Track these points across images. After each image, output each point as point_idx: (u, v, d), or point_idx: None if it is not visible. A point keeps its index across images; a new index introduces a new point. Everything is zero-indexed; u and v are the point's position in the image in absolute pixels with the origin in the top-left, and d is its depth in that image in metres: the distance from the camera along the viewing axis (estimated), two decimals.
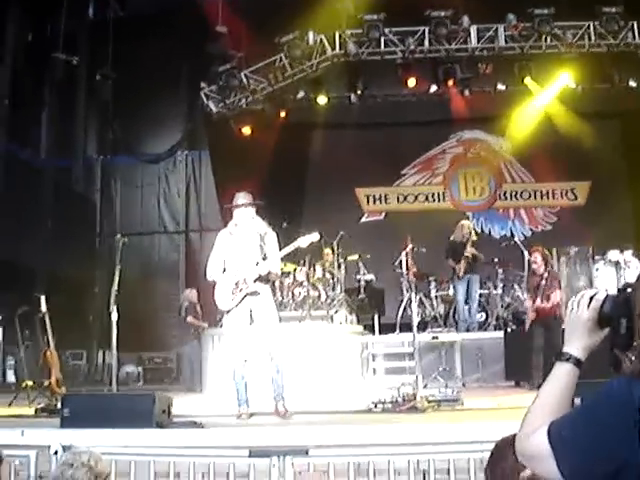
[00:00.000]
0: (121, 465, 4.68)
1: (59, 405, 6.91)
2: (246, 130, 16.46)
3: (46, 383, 8.68)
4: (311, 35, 14.97)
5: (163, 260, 18.96)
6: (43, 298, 8.63)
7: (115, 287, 8.09)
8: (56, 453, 4.65)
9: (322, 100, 15.86)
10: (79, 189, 19.28)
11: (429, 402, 7.44)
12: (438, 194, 17.83)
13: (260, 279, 7.27)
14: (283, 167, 16.03)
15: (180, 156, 18.91)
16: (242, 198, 7.54)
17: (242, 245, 7.36)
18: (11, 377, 14.23)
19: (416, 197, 17.84)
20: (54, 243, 16.21)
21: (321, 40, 14.96)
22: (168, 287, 17.50)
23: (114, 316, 8.07)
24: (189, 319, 12.55)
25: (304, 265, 12.61)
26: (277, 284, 12.71)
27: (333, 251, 12.82)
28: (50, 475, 3.32)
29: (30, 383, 9.01)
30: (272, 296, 7.43)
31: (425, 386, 9.25)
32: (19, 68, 15.63)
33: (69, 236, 16.67)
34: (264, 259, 7.29)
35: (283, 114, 16.57)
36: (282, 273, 12.78)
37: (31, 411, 7.83)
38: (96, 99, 18.57)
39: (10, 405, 8.75)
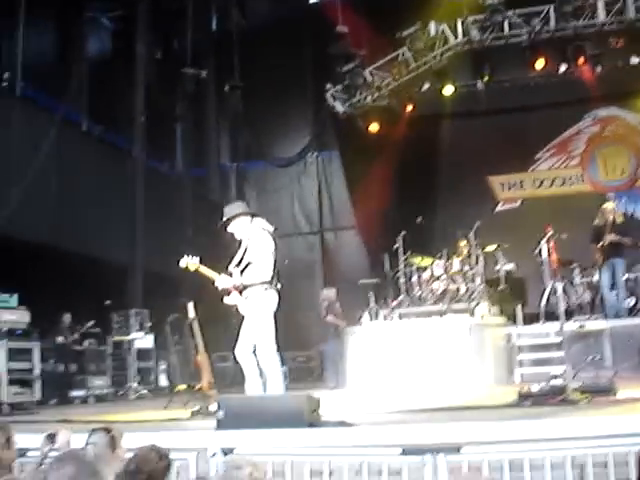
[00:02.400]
0: (276, 465, 4.79)
1: (212, 407, 7.15)
2: (373, 127, 16.48)
3: (198, 386, 9.00)
4: (432, 26, 14.83)
5: (300, 261, 19.28)
6: (191, 305, 8.97)
7: None
8: (214, 455, 4.79)
9: (448, 90, 15.65)
10: (215, 197, 19.92)
11: (581, 394, 7.18)
12: (576, 177, 17.19)
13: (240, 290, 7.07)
14: (413, 161, 15.94)
15: (310, 158, 19.18)
16: (227, 212, 7.31)
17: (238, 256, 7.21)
18: (164, 381, 14.90)
19: (553, 181, 17.28)
20: (195, 252, 16.77)
21: (443, 30, 14.79)
22: (307, 287, 17.78)
23: None
24: (329, 318, 12.69)
25: (441, 258, 12.48)
26: (415, 279, 12.66)
27: (469, 243, 12.61)
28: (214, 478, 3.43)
29: (183, 387, 9.35)
30: (262, 301, 7.05)
31: (574, 377, 8.93)
32: (152, 85, 16.31)
33: (209, 244, 17.23)
34: (247, 266, 7.04)
35: (410, 108, 16.47)
36: (419, 267, 12.74)
37: (187, 414, 8.13)
38: (226, 109, 19.15)
39: (166, 408, 9.15)
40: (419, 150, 16.13)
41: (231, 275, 7.09)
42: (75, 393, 12.13)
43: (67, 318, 12.99)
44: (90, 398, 12.21)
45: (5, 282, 11.99)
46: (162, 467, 3.83)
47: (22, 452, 4.54)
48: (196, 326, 8.80)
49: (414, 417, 6.72)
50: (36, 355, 11.03)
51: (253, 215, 7.32)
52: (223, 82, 17.99)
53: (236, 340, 7.38)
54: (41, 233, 12.59)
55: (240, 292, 7.07)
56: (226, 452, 4.61)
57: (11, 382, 10.45)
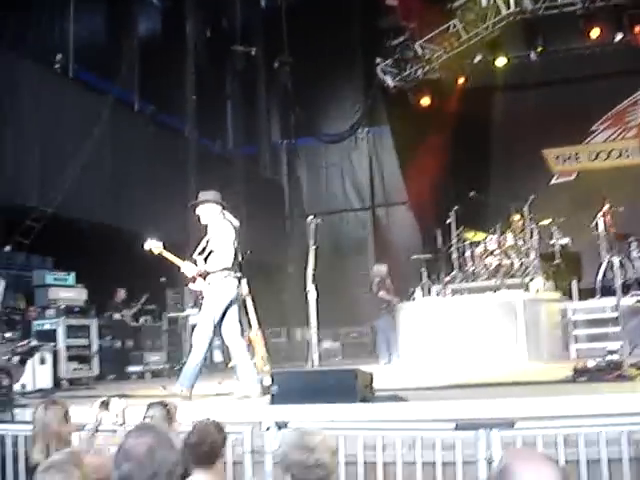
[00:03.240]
0: (330, 439, 4.82)
1: (266, 382, 7.23)
2: (425, 101, 16.32)
3: (253, 362, 9.08)
4: None
5: (351, 237, 19.33)
6: (244, 281, 9.03)
7: (311, 267, 8.32)
8: (268, 429, 4.85)
9: (501, 61, 15.39)
10: (267, 174, 20.02)
11: (638, 369, 7.06)
12: (632, 149, 16.74)
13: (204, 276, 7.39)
14: (466, 135, 15.74)
15: (361, 133, 19.12)
16: (201, 196, 7.66)
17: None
18: (218, 357, 15.08)
19: (609, 154, 16.89)
20: (248, 228, 16.91)
21: (494, 0, 14.48)
22: (358, 263, 17.82)
23: (312, 295, 8.31)
24: (380, 294, 12.66)
25: (494, 233, 12.34)
26: (468, 254, 12.56)
27: (523, 217, 12.42)
28: (283, 455, 3.48)
29: None
30: (221, 287, 7.40)
31: (631, 352, 8.77)
32: (202, 64, 16.37)
33: (261, 221, 17.36)
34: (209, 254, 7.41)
35: (461, 80, 16.26)
36: (472, 242, 12.61)
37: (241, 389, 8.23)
38: (276, 85, 19.16)
39: (220, 384, 9.27)
40: (471, 123, 15.91)
41: (195, 263, 7.40)
42: (132, 369, 12.37)
43: (122, 294, 13.22)
44: (146, 373, 12.44)
45: (62, 261, 12.29)
46: (221, 439, 3.92)
47: (80, 426, 4.65)
48: (249, 302, 8.87)
49: (467, 392, 6.70)
50: (94, 332, 11.27)
51: (223, 207, 7.62)
52: (272, 59, 17.98)
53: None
54: (96, 212, 12.81)
55: (204, 278, 7.38)
56: (280, 426, 4.66)
57: (70, 358, 10.70)
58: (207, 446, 3.82)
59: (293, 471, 3.46)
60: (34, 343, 6.01)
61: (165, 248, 7.57)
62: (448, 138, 15.87)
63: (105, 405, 4.59)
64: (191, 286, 7.68)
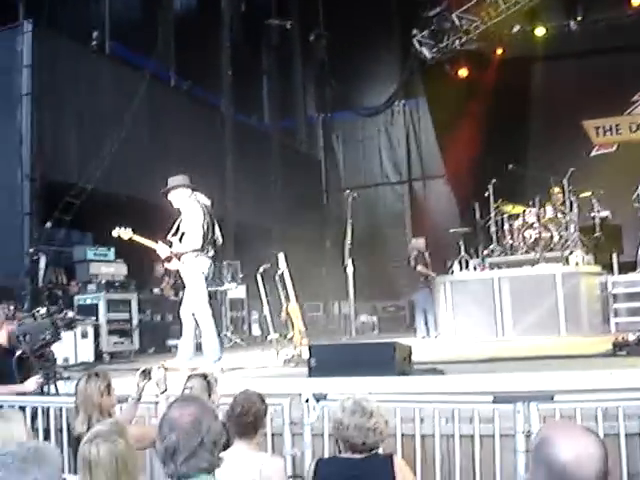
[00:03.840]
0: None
1: (305, 356, 7.29)
2: (462, 72, 16.15)
3: (290, 335, 9.16)
4: None
5: (388, 211, 19.28)
6: (282, 255, 9.09)
7: (348, 241, 8.35)
8: (307, 401, 4.89)
9: (540, 31, 15.15)
10: (303, 149, 20.00)
11: None
12: None
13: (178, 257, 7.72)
14: (504, 106, 15.55)
15: (398, 106, 19.01)
16: (170, 182, 7.90)
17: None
18: (256, 331, 15.22)
19: None
20: (285, 203, 17.00)
21: None
22: (395, 237, 17.79)
23: (350, 269, 8.34)
24: (418, 268, 12.61)
25: (533, 206, 12.20)
26: (506, 227, 12.45)
27: (563, 189, 12.25)
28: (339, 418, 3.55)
29: (276, 336, 9.55)
30: (193, 266, 7.68)
31: None
32: (237, 39, 16.35)
33: (298, 195, 17.40)
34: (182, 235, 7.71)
35: (500, 51, 16.05)
36: (510, 215, 12.49)
37: (279, 362, 8.32)
38: (312, 59, 19.08)
39: (259, 357, 9.38)
40: (510, 95, 15.70)
41: (170, 244, 7.69)
42: (171, 342, 12.51)
43: (160, 269, 13.35)
44: None
45: (101, 237, 12.46)
46: (263, 410, 3.98)
47: (122, 398, 4.74)
48: (287, 276, 8.93)
49: (506, 366, 6.68)
50: (134, 306, 11.42)
51: (193, 189, 7.89)
52: (308, 32, 17.91)
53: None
54: (134, 187, 12.92)
55: (178, 259, 7.70)
56: (318, 398, 4.69)
57: (111, 332, 10.87)
58: (251, 416, 3.88)
59: (350, 435, 3.52)
60: (71, 315, 6.09)
61: (135, 232, 7.80)
62: (486, 109, 15.69)
63: (146, 374, 4.67)
64: (167, 265, 8.04)
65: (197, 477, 2.69)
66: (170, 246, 7.70)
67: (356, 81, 18.86)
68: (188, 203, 7.77)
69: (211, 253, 7.78)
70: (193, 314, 7.72)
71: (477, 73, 16.04)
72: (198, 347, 7.85)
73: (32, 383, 5.70)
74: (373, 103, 18.73)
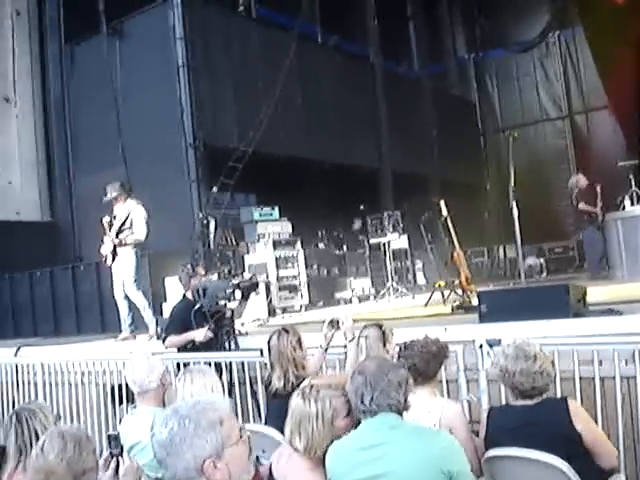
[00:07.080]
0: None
1: (473, 302, 7.24)
2: None
3: (457, 282, 9.12)
4: None
5: (550, 148, 18.59)
6: (443, 203, 9.03)
7: (512, 183, 8.15)
8: (481, 347, 4.87)
9: None
10: (456, 92, 19.60)
11: None
12: None
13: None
14: None
15: (552, 38, 18.19)
16: (109, 192, 8.65)
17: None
18: (421, 279, 15.25)
19: None
20: (441, 149, 16.79)
21: None
22: (559, 175, 17.11)
23: (515, 212, 8.15)
24: (581, 206, 12.05)
25: None
26: None
27: None
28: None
29: (442, 283, 9.54)
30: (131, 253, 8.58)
31: None
32: None
33: (454, 140, 17.10)
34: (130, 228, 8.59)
35: None
36: None
37: (447, 309, 8.30)
38: None
39: (426, 305, 9.40)
40: None
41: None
42: (339, 295, 12.81)
43: (323, 225, 13.64)
44: (353, 298, 12.84)
45: (263, 197, 12.87)
46: (442, 355, 4.00)
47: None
48: (450, 223, 8.87)
49: None
50: (301, 262, 11.76)
51: (130, 189, 8.81)
52: None
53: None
54: (292, 146, 13.19)
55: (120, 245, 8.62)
56: (492, 344, 4.66)
57: (280, 288, 11.28)
58: (430, 362, 3.92)
59: (518, 381, 3.50)
60: (256, 280, 6.37)
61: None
62: None
63: (334, 324, 4.83)
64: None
65: (386, 414, 3.05)
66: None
67: (505, 15, 18.16)
68: (129, 204, 8.59)
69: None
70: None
71: None
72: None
73: (202, 333, 6.08)
74: (526, 37, 18.03)
